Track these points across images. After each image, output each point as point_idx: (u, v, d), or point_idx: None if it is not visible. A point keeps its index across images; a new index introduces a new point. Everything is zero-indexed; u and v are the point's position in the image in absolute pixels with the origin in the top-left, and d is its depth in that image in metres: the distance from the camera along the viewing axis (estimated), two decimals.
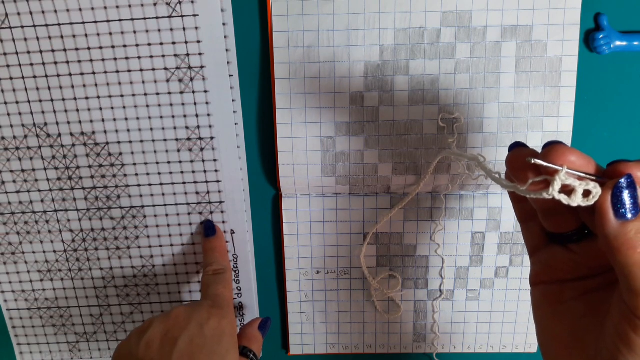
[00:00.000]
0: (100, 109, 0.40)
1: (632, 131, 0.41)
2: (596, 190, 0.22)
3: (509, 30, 0.38)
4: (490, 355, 0.46)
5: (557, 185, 0.22)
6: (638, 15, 0.38)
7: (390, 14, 0.37)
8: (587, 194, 0.23)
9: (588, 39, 0.39)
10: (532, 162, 0.23)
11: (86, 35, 0.38)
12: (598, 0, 0.38)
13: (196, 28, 0.38)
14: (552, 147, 0.23)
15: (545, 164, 0.23)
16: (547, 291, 0.28)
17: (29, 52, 0.38)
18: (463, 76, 0.38)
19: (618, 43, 0.38)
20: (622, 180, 0.22)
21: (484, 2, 0.37)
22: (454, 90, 0.39)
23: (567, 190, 0.23)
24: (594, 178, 0.23)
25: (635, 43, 0.38)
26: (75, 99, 0.39)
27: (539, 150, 0.24)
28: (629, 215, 0.22)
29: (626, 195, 0.22)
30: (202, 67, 0.39)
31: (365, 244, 0.42)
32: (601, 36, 0.38)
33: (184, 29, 0.38)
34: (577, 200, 0.22)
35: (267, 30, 0.39)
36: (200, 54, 0.38)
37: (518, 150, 0.25)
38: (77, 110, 0.40)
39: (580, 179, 0.23)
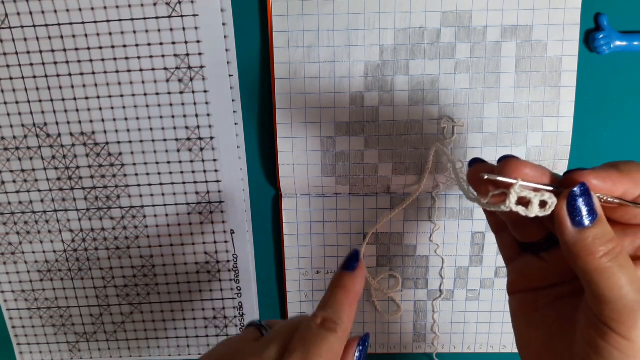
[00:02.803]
0: (100, 109, 0.40)
1: (632, 131, 0.41)
2: (551, 200, 0.23)
3: (509, 30, 0.38)
4: (490, 355, 0.46)
5: (512, 198, 0.23)
6: (638, 15, 0.38)
7: (390, 14, 0.37)
8: (544, 204, 0.23)
9: (588, 39, 0.39)
10: (485, 177, 0.24)
11: (86, 35, 0.38)
12: (598, 0, 0.38)
13: (196, 28, 0.38)
14: (505, 162, 0.24)
15: (499, 178, 0.24)
16: (523, 300, 0.28)
17: (28, 52, 0.38)
18: (463, 76, 0.38)
19: (618, 43, 0.38)
20: (576, 188, 0.23)
21: (484, 2, 0.37)
22: (454, 90, 0.39)
23: (525, 202, 0.23)
24: (550, 188, 0.24)
25: (635, 43, 0.38)
26: (75, 99, 0.39)
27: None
28: (586, 223, 0.23)
29: (581, 203, 0.23)
30: (202, 67, 0.38)
31: (365, 244, 0.42)
32: (601, 36, 0.38)
33: (183, 29, 0.38)
34: (534, 211, 0.23)
35: (267, 30, 0.39)
36: (200, 54, 0.38)
37: (477, 166, 0.26)
38: (77, 110, 0.40)
39: (536, 190, 0.23)
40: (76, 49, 0.38)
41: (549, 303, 0.27)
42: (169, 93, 0.39)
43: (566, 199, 0.23)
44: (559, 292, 0.26)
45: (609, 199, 0.24)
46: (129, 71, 0.39)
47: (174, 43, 0.38)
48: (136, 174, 0.41)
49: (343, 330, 0.27)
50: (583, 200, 0.23)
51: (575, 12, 0.37)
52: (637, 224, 0.25)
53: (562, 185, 0.24)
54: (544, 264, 0.27)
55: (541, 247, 0.27)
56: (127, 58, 0.38)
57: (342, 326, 0.27)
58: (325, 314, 0.27)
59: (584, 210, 0.23)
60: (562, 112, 0.39)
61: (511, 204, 0.23)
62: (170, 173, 0.41)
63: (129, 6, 0.37)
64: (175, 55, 0.38)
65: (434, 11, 0.37)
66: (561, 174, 0.40)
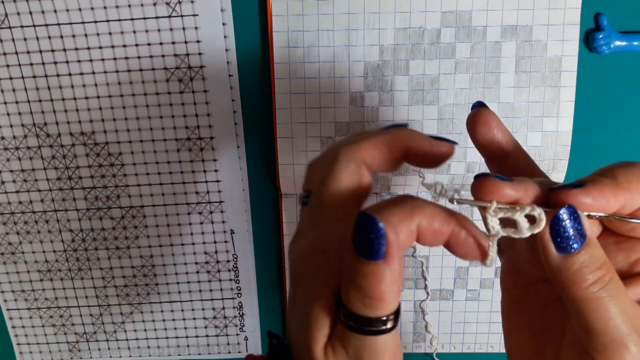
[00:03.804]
0: (100, 108, 0.40)
1: (632, 131, 0.41)
2: (539, 213, 0.20)
3: (508, 30, 0.38)
4: (490, 355, 0.46)
5: (491, 222, 0.21)
6: (638, 15, 0.38)
7: (390, 13, 0.37)
8: (533, 219, 0.21)
9: (588, 39, 0.39)
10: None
11: (86, 35, 0.38)
12: (598, 0, 0.38)
13: (196, 28, 0.38)
14: (480, 182, 0.21)
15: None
16: (513, 297, 0.26)
17: (28, 52, 0.38)
18: (463, 76, 0.38)
19: (618, 43, 0.38)
20: (561, 212, 0.20)
21: (483, 2, 0.37)
22: (453, 90, 0.39)
23: (512, 222, 0.21)
24: (529, 209, 0.21)
25: (635, 43, 0.38)
26: (74, 98, 0.39)
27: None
28: (571, 249, 0.20)
29: (566, 228, 0.20)
30: (201, 67, 0.38)
31: None
32: (601, 36, 0.38)
33: (183, 28, 0.38)
34: (524, 232, 0.21)
35: (267, 30, 0.39)
36: (200, 54, 0.38)
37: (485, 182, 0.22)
38: (77, 110, 0.40)
39: (514, 205, 0.21)
40: (76, 49, 0.38)
41: (540, 306, 0.25)
42: (169, 93, 0.39)
43: (549, 224, 0.20)
44: (550, 293, 0.25)
45: (603, 216, 0.21)
46: (129, 71, 0.39)
47: (173, 43, 0.38)
48: (136, 174, 0.41)
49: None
50: (569, 224, 0.20)
51: (575, 12, 0.37)
52: (634, 236, 0.22)
53: (548, 203, 0.21)
54: (535, 253, 0.24)
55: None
56: (127, 58, 0.38)
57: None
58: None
59: (570, 236, 0.20)
60: (562, 112, 0.39)
61: (496, 229, 0.21)
62: (170, 173, 0.41)
63: (129, 6, 0.37)
64: (175, 55, 0.38)
65: (433, 11, 0.37)
66: (561, 174, 0.40)
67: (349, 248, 0.20)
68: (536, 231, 0.21)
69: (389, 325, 0.20)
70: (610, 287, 0.20)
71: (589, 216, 0.21)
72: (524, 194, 0.21)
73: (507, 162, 0.25)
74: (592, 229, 0.21)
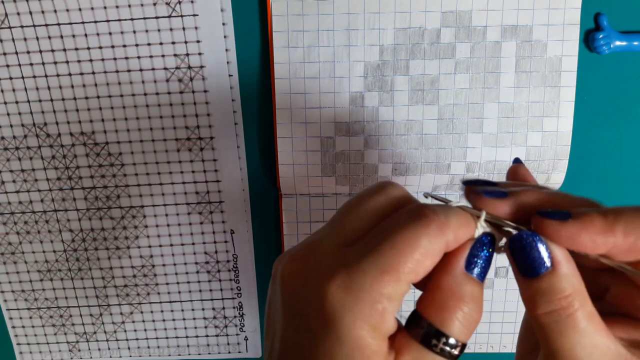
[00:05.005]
0: (100, 108, 0.40)
1: (632, 131, 0.41)
2: (502, 240, 0.21)
3: (508, 30, 0.38)
4: (490, 355, 0.46)
5: (479, 232, 0.21)
6: (638, 15, 0.38)
7: (390, 13, 0.37)
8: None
9: (588, 39, 0.39)
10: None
11: (86, 35, 0.38)
12: (598, 0, 0.38)
13: (196, 28, 0.38)
14: (491, 200, 0.21)
15: (467, 208, 0.22)
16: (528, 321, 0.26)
17: (28, 52, 0.38)
18: (463, 76, 0.38)
19: (618, 43, 0.38)
20: (519, 235, 0.20)
21: (483, 2, 0.37)
22: (453, 90, 0.39)
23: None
24: (510, 228, 0.21)
25: (635, 43, 0.38)
26: (74, 98, 0.39)
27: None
28: (528, 274, 0.20)
29: (522, 252, 0.20)
30: (201, 66, 0.38)
31: None
32: (601, 36, 0.38)
33: (183, 28, 0.38)
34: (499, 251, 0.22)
35: (267, 30, 0.39)
36: (199, 54, 0.38)
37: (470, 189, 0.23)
38: (77, 110, 0.40)
39: (498, 227, 0.21)
40: (76, 49, 0.38)
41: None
42: (169, 93, 0.39)
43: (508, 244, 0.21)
44: None
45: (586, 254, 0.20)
46: (129, 71, 0.39)
47: (173, 43, 0.38)
48: (136, 174, 0.41)
49: None
50: (527, 249, 0.20)
51: (575, 12, 0.37)
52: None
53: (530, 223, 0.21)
54: None
55: None
56: (127, 58, 0.38)
57: None
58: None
59: (527, 260, 0.20)
60: (562, 112, 0.39)
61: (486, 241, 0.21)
62: (170, 173, 0.41)
63: (129, 6, 0.37)
64: (175, 55, 0.38)
65: (433, 11, 0.37)
66: (561, 174, 0.40)
67: (461, 270, 0.21)
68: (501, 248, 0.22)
69: (457, 352, 0.21)
70: (573, 318, 0.19)
71: (573, 254, 0.20)
72: (506, 207, 0.21)
73: None
74: (568, 261, 0.20)
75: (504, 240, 0.21)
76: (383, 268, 0.19)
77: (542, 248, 0.20)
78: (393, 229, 0.20)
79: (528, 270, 0.20)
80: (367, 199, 0.22)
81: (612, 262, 0.20)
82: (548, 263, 0.20)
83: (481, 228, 0.21)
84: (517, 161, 0.26)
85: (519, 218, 0.21)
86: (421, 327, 0.21)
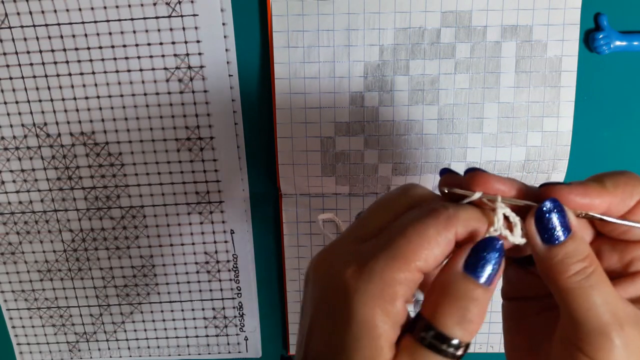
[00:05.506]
0: (100, 108, 0.40)
1: (632, 131, 0.41)
2: (515, 219, 0.22)
3: (508, 30, 0.38)
4: (490, 355, 0.46)
5: (500, 218, 0.22)
6: (638, 15, 0.38)
7: (390, 13, 0.37)
8: (510, 224, 0.22)
9: (588, 39, 0.39)
10: (446, 191, 0.23)
11: (86, 35, 0.38)
12: (598, 0, 0.38)
13: (196, 28, 0.38)
14: (473, 175, 0.23)
15: (459, 191, 0.23)
16: (513, 306, 0.27)
17: (28, 52, 0.38)
18: (463, 76, 0.38)
19: (618, 43, 0.38)
20: (545, 204, 0.22)
21: (483, 2, 0.37)
22: (453, 90, 0.39)
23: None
24: (531, 203, 0.22)
25: (635, 43, 0.38)
26: (74, 98, 0.39)
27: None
28: (555, 240, 0.22)
29: (549, 220, 0.22)
30: (201, 66, 0.39)
31: None
32: (601, 36, 0.38)
33: (183, 28, 0.38)
34: (517, 238, 0.22)
35: (267, 30, 0.39)
36: (199, 54, 0.38)
37: (445, 177, 0.25)
38: (77, 110, 0.40)
39: (513, 207, 0.22)
40: (76, 49, 0.38)
41: (537, 312, 0.26)
42: (169, 93, 0.39)
43: (534, 215, 0.22)
44: (547, 303, 0.26)
45: (590, 214, 0.22)
46: (129, 71, 0.39)
47: (173, 43, 0.38)
48: (136, 174, 0.41)
49: None
50: (552, 216, 0.22)
51: (575, 12, 0.37)
52: (626, 239, 0.24)
53: (538, 199, 0.23)
54: (531, 277, 0.26)
55: (528, 262, 0.26)
56: (127, 58, 0.38)
57: None
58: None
59: (553, 227, 0.22)
60: (562, 112, 0.39)
61: (499, 225, 0.22)
62: (170, 173, 0.41)
63: (129, 6, 0.37)
64: (175, 55, 0.38)
65: (433, 11, 0.37)
66: (561, 174, 0.40)
67: (459, 270, 0.22)
68: (522, 242, 0.22)
69: (460, 352, 0.22)
70: (593, 278, 0.21)
71: (578, 215, 0.22)
72: (509, 189, 0.23)
73: None
74: (579, 226, 0.22)
75: (518, 228, 0.22)
76: (393, 254, 0.21)
77: (568, 212, 0.22)
78: (406, 223, 0.22)
79: (557, 235, 0.22)
80: (389, 198, 0.24)
81: (605, 219, 0.23)
82: (570, 227, 0.22)
83: (500, 209, 0.22)
84: (445, 172, 0.27)
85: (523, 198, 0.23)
86: (421, 327, 0.21)
